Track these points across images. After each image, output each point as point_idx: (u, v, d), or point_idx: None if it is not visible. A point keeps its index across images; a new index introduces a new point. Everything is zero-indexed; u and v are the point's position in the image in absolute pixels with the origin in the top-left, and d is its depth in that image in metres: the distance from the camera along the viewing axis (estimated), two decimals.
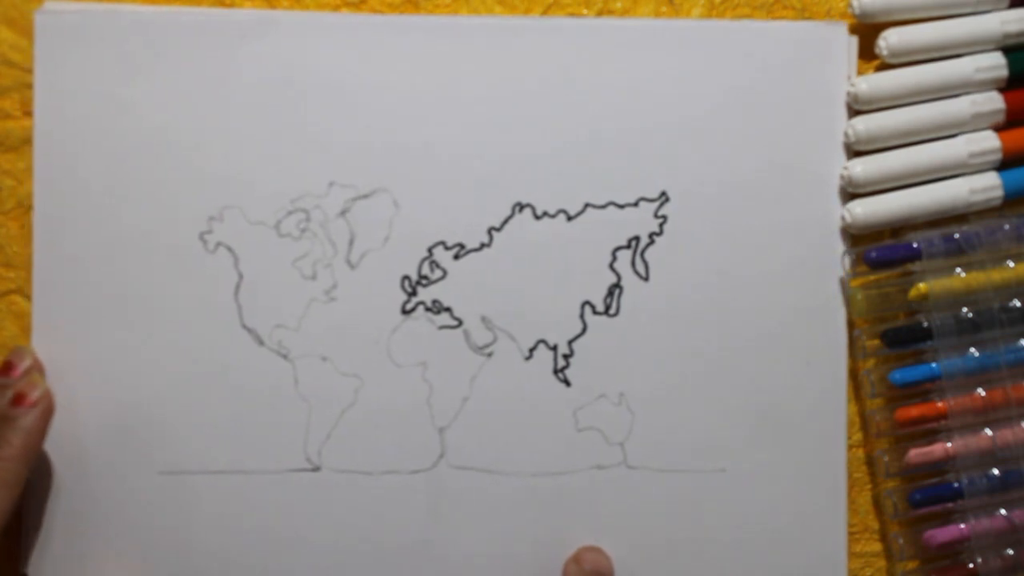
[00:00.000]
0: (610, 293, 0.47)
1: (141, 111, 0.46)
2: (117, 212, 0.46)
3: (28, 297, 0.46)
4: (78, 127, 0.46)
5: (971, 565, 0.47)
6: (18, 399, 0.43)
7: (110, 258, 0.46)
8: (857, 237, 0.48)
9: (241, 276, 0.46)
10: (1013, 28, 0.47)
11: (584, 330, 0.47)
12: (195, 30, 0.46)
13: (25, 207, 0.46)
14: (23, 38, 0.46)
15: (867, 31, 0.48)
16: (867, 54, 0.48)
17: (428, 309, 0.47)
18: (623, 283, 0.47)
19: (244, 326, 0.46)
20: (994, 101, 0.47)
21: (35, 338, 0.46)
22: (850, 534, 0.48)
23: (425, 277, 0.47)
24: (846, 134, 0.47)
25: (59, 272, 0.46)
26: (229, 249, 0.46)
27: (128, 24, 0.46)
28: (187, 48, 0.46)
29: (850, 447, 0.48)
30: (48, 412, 0.43)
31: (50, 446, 0.45)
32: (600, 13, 0.48)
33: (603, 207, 0.47)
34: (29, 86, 0.46)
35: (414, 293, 0.47)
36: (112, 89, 0.46)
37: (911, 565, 0.48)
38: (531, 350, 0.47)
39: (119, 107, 0.46)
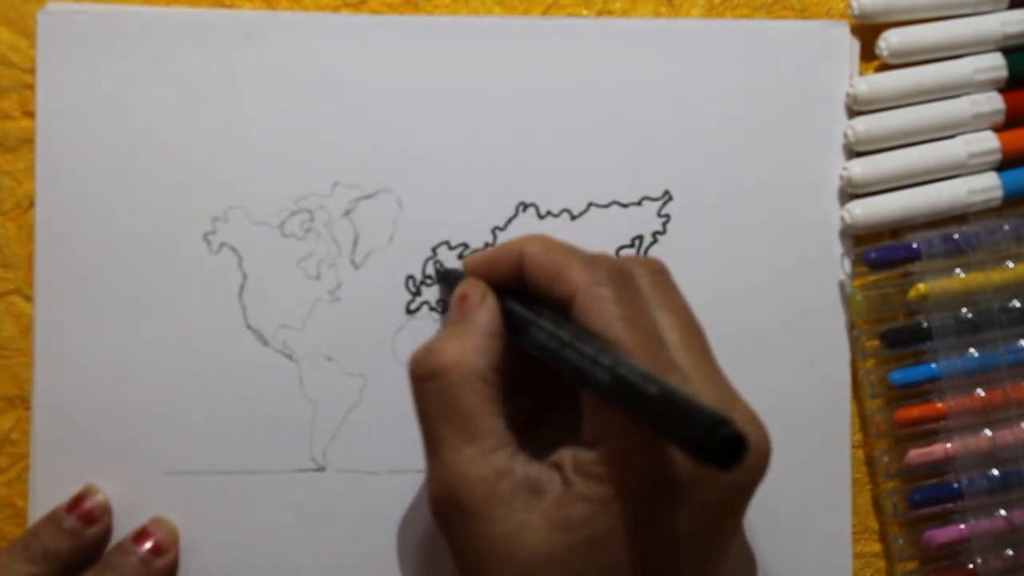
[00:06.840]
0: None
1: (144, 111, 0.46)
2: (120, 213, 0.46)
3: (27, 298, 0.46)
4: (80, 127, 0.46)
5: (971, 565, 0.47)
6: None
7: (113, 259, 0.46)
8: (857, 238, 0.48)
9: (245, 276, 0.46)
10: (1013, 29, 0.47)
11: None
12: (198, 31, 0.46)
13: (23, 207, 0.46)
14: (22, 38, 0.46)
15: (866, 31, 0.48)
16: (866, 54, 0.48)
17: (432, 309, 0.46)
18: None
19: (248, 326, 0.46)
20: (994, 102, 0.48)
21: (37, 338, 0.45)
22: None
23: (429, 277, 0.46)
24: (846, 135, 0.47)
25: (61, 273, 0.45)
26: (233, 249, 0.46)
27: (130, 24, 0.46)
28: (189, 48, 0.46)
29: (850, 447, 0.48)
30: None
31: (55, 448, 0.45)
32: (600, 13, 0.48)
33: (607, 206, 0.47)
34: (28, 86, 0.46)
35: (418, 293, 0.46)
36: (114, 89, 0.46)
37: (911, 565, 0.48)
38: None
39: (121, 107, 0.46)
